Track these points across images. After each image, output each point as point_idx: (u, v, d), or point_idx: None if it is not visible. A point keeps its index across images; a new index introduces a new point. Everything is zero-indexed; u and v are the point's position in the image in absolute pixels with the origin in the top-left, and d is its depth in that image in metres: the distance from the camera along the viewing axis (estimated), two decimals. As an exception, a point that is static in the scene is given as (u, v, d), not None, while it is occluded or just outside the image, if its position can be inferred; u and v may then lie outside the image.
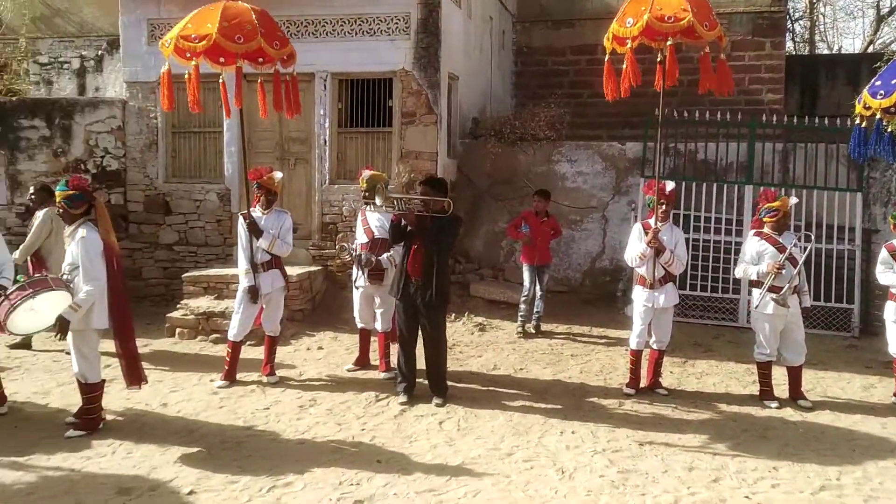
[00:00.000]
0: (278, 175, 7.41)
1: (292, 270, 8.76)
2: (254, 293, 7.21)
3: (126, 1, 10.43)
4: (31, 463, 5.47)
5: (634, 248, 7.10)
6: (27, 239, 8.20)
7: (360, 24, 9.97)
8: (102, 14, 13.40)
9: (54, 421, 6.30)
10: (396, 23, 9.92)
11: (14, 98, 11.30)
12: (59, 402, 6.73)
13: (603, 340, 9.11)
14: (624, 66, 6.50)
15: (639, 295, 7.20)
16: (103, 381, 6.12)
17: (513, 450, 5.79)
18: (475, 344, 8.87)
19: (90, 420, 6.05)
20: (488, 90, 13.14)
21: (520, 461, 5.58)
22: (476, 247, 10.90)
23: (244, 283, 7.27)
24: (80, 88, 13.12)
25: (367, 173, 7.60)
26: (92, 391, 6.01)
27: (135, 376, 6.09)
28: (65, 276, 5.83)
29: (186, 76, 7.03)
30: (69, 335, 5.86)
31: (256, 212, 7.34)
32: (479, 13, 12.32)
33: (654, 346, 7.30)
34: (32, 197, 8.48)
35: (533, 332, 9.31)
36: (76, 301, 5.66)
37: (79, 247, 5.73)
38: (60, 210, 5.90)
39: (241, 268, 7.31)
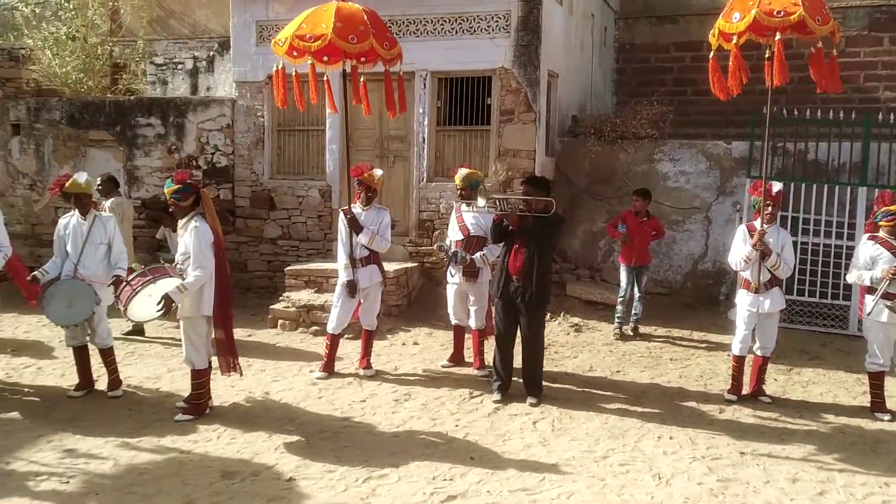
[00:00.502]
0: (378, 172, 7.53)
1: (389, 266, 8.89)
2: (352, 287, 7.37)
3: (237, 3, 10.82)
4: (143, 444, 5.77)
5: (739, 250, 6.88)
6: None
7: (460, 23, 10.02)
8: (214, 16, 13.95)
9: (164, 405, 6.62)
10: (497, 21, 9.92)
11: (132, 97, 11.90)
12: (168, 387, 7.07)
13: (703, 345, 8.87)
14: (730, 64, 6.30)
15: (743, 299, 6.98)
16: (210, 367, 6.38)
17: (608, 453, 5.71)
18: (571, 344, 8.79)
19: (197, 405, 6.33)
20: (588, 87, 12.98)
21: (615, 465, 5.50)
22: (573, 246, 10.79)
23: (343, 277, 7.43)
24: (192, 88, 13.69)
25: (462, 171, 7.64)
26: (200, 377, 6.28)
27: (227, 365, 6.35)
28: (178, 266, 6.11)
29: (294, 74, 7.25)
30: (181, 323, 6.17)
31: (357, 208, 7.49)
32: (581, 10, 12.18)
33: (758, 353, 7.06)
34: (99, 188, 8.80)
35: (630, 334, 9.15)
36: (184, 283, 5.93)
37: (191, 236, 6.01)
38: (171, 205, 6.18)
39: (341, 262, 7.47)
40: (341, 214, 7.48)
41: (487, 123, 10.21)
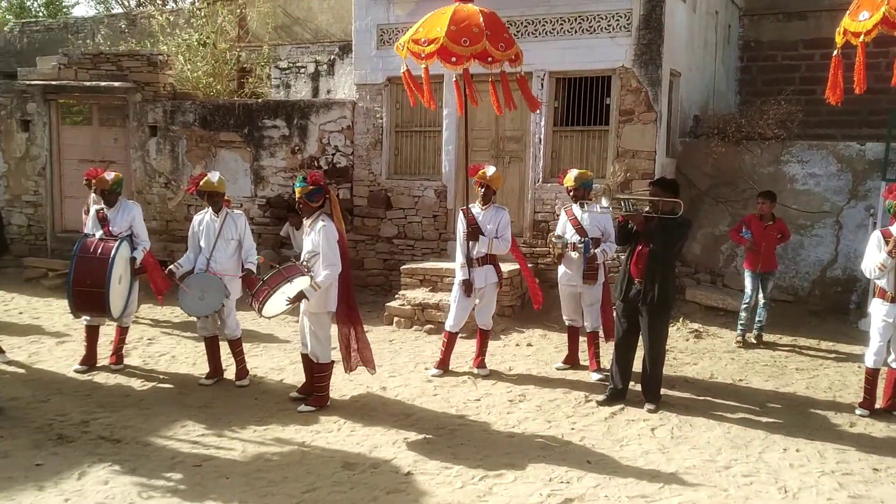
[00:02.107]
0: (491, 169, 7.56)
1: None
2: (468, 287, 7.43)
3: (359, 8, 11.10)
4: (268, 433, 6.02)
5: (873, 257, 6.51)
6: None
7: (579, 23, 9.92)
8: (335, 21, 14.38)
9: (288, 396, 6.87)
10: (617, 20, 9.77)
11: (260, 100, 12.41)
12: (291, 379, 7.33)
13: (832, 355, 8.44)
14: (856, 62, 5.96)
15: (878, 309, 6.60)
16: (333, 361, 6.58)
17: (731, 463, 5.53)
18: (690, 351, 8.56)
19: (320, 397, 6.54)
20: (711, 87, 12.59)
21: (738, 475, 5.32)
22: (694, 250, 10.49)
23: (459, 276, 7.50)
24: (313, 91, 14.14)
25: (573, 172, 7.59)
26: (322, 370, 6.50)
27: (352, 364, 6.58)
28: (304, 264, 6.34)
29: (404, 74, 7.39)
30: (306, 318, 6.39)
31: (475, 208, 7.55)
32: (704, 7, 11.84)
33: (894, 365, 6.67)
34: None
35: (754, 341, 8.81)
36: (317, 282, 6.15)
37: (320, 235, 6.22)
38: (300, 204, 6.41)
39: (458, 261, 7.55)
40: (460, 214, 7.56)
41: (605, 123, 10.07)
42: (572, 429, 6.19)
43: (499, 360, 8.05)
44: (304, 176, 6.39)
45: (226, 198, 7.38)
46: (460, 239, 7.50)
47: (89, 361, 7.46)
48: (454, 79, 7.50)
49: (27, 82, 12.25)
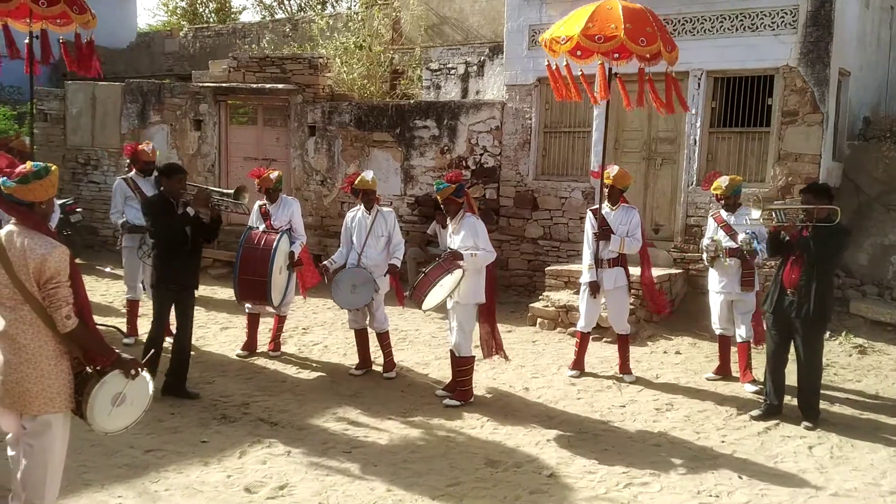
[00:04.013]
0: (614, 169, 7.45)
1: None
2: (595, 288, 7.35)
3: (511, 9, 11.15)
4: (414, 424, 6.18)
5: None
6: None
7: (741, 20, 9.52)
8: (486, 22, 14.49)
9: (433, 389, 7.02)
10: (782, 17, 9.30)
11: (412, 102, 12.72)
12: (436, 374, 7.47)
13: None
14: None
15: None
16: (473, 356, 6.68)
17: (898, 489, 5.16)
18: (853, 367, 8.03)
19: (464, 392, 6.66)
20: (884, 87, 11.74)
21: (907, 503, 4.96)
22: (859, 260, 9.83)
23: (586, 277, 7.44)
24: (463, 92, 14.33)
25: (724, 179, 7.33)
26: (465, 364, 6.63)
27: (490, 350, 6.77)
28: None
29: (561, 72, 7.38)
30: (453, 309, 6.49)
31: (605, 208, 7.45)
32: (878, 2, 11.05)
33: None
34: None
35: (926, 360, 8.17)
36: (475, 252, 6.36)
37: (468, 228, 6.45)
38: (447, 203, 6.54)
39: (585, 262, 7.49)
40: (589, 214, 7.50)
41: (766, 125, 9.62)
42: (723, 441, 5.97)
43: (645, 367, 7.87)
44: (443, 179, 6.60)
45: (377, 195, 7.62)
46: (588, 240, 7.43)
47: (250, 347, 7.92)
48: (617, 76, 7.40)
49: (200, 84, 13.14)
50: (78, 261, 4.32)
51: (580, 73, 7.33)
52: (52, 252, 3.70)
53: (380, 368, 7.51)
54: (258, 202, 7.76)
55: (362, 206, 7.41)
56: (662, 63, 7.16)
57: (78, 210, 12.10)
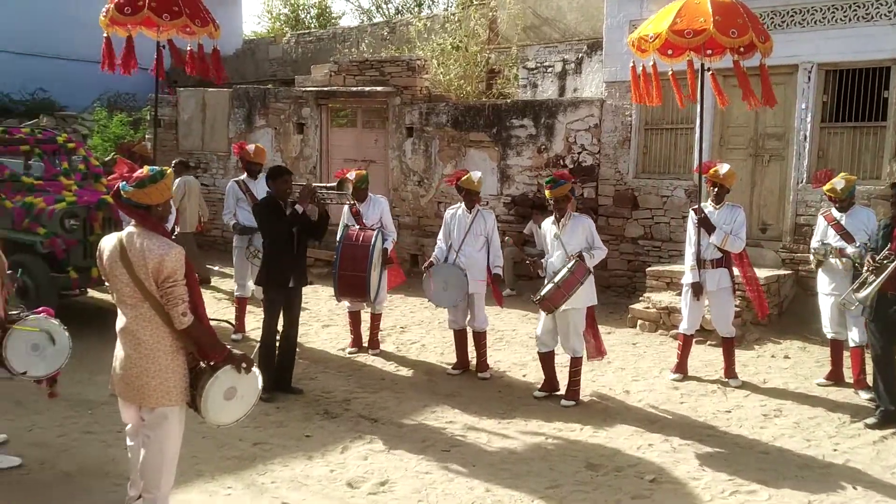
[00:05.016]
0: (724, 167, 7.20)
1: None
2: (697, 290, 7.15)
3: (611, 5, 10.98)
4: (511, 426, 6.17)
5: None
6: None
7: (854, 9, 9.07)
8: (584, 19, 14.31)
9: (530, 390, 6.99)
10: (901, 4, 8.82)
11: (508, 101, 12.70)
12: (534, 377, 7.40)
13: None
14: None
15: None
16: (581, 356, 6.64)
17: None
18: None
19: (576, 391, 6.71)
20: None
21: None
22: None
23: (688, 278, 7.26)
24: (560, 90, 14.19)
25: (839, 181, 6.99)
26: (579, 364, 6.68)
27: (596, 351, 6.81)
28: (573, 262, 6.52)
29: (646, 71, 7.27)
30: (565, 313, 6.49)
31: (708, 206, 7.25)
32: None
33: None
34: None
35: None
36: (592, 253, 6.55)
37: (581, 226, 6.61)
38: (561, 202, 6.55)
39: (687, 263, 7.30)
40: (690, 213, 7.30)
41: (882, 119, 9.12)
42: (835, 450, 5.71)
43: (752, 372, 7.60)
44: (554, 176, 6.60)
45: (479, 196, 7.63)
46: (690, 240, 7.24)
47: (357, 344, 8.10)
48: (710, 71, 7.21)
49: (303, 89, 13.50)
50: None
51: (670, 72, 7.21)
52: (169, 252, 3.88)
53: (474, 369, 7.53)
54: (347, 202, 7.84)
55: (463, 205, 7.44)
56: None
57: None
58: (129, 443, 4.35)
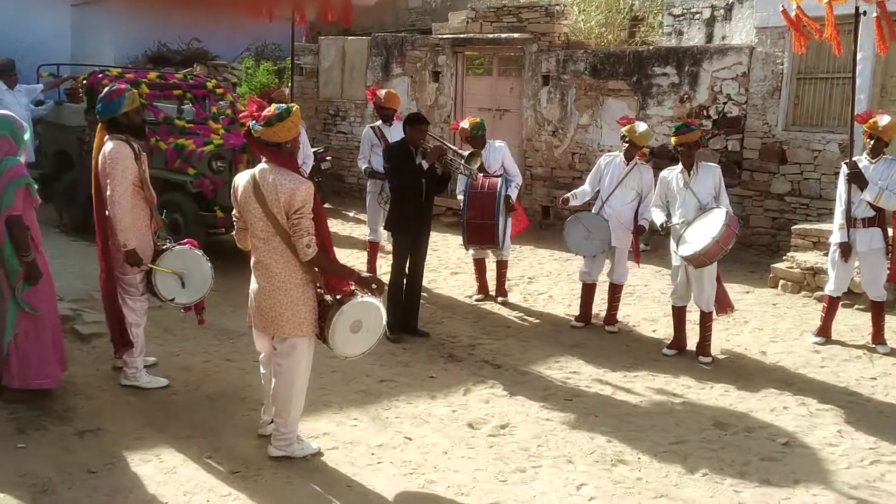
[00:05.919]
0: (885, 119, 6.63)
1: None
2: (846, 249, 6.69)
3: (766, -56, 10.26)
4: (637, 380, 6.06)
5: None
6: None
7: None
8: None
9: (660, 346, 6.80)
10: None
11: (650, 48, 12.20)
12: (663, 332, 7.18)
13: None
14: None
15: None
16: (712, 311, 6.43)
17: None
18: None
19: (707, 346, 6.54)
20: None
21: None
22: None
23: (836, 238, 6.80)
24: (707, 37, 13.47)
25: None
26: (710, 320, 6.50)
27: (722, 306, 6.56)
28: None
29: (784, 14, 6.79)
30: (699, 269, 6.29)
31: (863, 160, 6.71)
32: None
33: None
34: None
35: None
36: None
37: (718, 179, 6.42)
38: (692, 148, 6.27)
39: (836, 221, 6.83)
40: (843, 167, 6.78)
41: None
42: None
43: (904, 338, 7.09)
44: (684, 123, 6.39)
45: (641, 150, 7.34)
46: (840, 197, 6.75)
47: (483, 290, 8.15)
48: (875, 15, 6.61)
49: (439, 37, 13.49)
50: (326, 205, 4.67)
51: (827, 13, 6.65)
52: (300, 186, 4.00)
53: (600, 322, 7.41)
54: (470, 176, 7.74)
55: (622, 154, 7.19)
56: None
57: (328, 158, 13.03)
58: (262, 371, 4.58)
